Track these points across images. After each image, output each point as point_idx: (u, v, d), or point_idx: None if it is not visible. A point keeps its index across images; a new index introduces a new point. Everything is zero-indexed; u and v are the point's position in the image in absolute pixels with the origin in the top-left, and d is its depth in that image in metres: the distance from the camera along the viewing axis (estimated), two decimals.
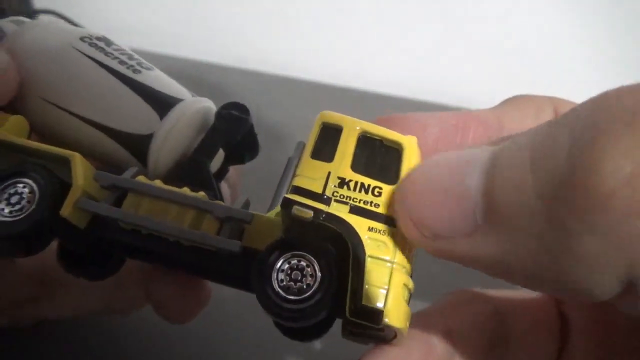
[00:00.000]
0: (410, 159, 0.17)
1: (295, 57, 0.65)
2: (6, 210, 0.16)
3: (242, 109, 0.19)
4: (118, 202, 0.17)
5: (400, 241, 0.16)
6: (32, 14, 0.61)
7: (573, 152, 0.12)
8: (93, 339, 0.31)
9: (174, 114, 0.19)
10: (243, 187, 0.24)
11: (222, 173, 0.20)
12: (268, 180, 0.23)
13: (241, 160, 0.20)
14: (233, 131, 0.18)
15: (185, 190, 0.17)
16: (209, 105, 0.20)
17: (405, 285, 0.16)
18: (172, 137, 0.18)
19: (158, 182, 0.17)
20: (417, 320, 0.18)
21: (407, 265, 0.16)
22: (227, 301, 0.34)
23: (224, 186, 0.21)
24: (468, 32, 0.65)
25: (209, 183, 0.18)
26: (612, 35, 0.61)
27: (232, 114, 0.18)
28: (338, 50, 0.68)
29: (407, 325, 0.16)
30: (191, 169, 0.18)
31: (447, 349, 0.19)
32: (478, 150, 0.14)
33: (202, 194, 0.17)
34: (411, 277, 0.16)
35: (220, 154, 0.19)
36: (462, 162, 0.14)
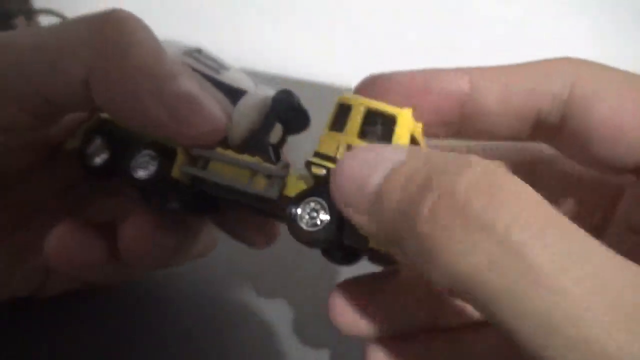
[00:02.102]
0: (402, 127, 0.21)
1: (296, 57, 0.65)
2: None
3: (289, 93, 0.25)
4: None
5: None
6: (32, 14, 0.61)
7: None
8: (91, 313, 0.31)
9: (240, 102, 0.26)
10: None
11: (282, 142, 0.27)
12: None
13: (296, 132, 0.26)
14: (283, 112, 0.25)
15: (246, 157, 0.24)
16: (268, 94, 0.27)
17: None
18: (237, 118, 0.26)
19: (230, 152, 0.24)
20: None
21: None
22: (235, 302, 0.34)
23: (285, 152, 0.28)
24: (470, 35, 0.65)
25: (266, 150, 0.25)
26: (613, 37, 0.61)
27: (282, 99, 0.25)
28: (338, 50, 0.68)
29: None
30: (255, 140, 0.25)
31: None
32: (394, 153, 0.18)
33: (257, 159, 0.24)
34: None
35: (280, 129, 0.26)
36: (375, 161, 0.18)
